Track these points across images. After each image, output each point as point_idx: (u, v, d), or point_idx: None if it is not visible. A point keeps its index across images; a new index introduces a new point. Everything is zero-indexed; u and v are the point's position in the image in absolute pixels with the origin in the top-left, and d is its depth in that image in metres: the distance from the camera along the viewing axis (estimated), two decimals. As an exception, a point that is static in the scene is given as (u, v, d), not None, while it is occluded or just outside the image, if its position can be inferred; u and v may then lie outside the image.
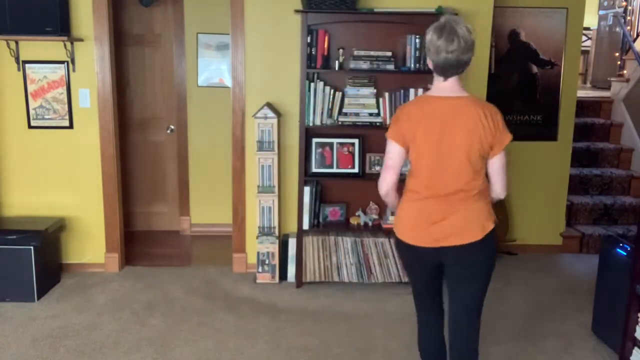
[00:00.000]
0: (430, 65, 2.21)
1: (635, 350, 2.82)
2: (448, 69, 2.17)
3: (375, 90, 3.86)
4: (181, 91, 4.97)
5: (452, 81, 2.21)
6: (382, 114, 3.87)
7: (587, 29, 7.38)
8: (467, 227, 2.19)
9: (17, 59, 3.90)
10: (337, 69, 3.82)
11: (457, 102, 2.18)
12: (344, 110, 3.83)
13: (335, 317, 3.50)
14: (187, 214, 5.17)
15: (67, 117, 4.00)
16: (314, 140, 3.92)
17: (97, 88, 3.98)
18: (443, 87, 2.21)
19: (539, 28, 4.57)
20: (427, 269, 2.35)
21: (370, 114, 3.85)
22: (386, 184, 2.31)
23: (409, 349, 3.17)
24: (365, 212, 4.07)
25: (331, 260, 3.94)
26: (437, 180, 2.19)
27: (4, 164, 4.05)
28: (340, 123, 3.83)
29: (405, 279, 3.92)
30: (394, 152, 2.26)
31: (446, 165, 2.18)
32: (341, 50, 3.82)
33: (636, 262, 2.79)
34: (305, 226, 3.91)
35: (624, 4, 6.73)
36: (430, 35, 2.16)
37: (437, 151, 2.17)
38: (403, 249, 2.36)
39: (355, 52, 3.80)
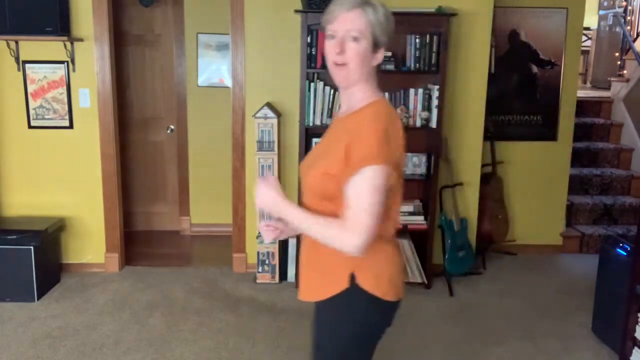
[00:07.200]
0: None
1: (635, 350, 2.82)
2: None
3: (375, 90, 3.86)
4: (181, 91, 4.97)
5: None
6: (382, 114, 3.86)
7: (587, 29, 7.37)
8: None
9: (17, 59, 3.90)
10: (337, 69, 3.81)
11: None
12: (344, 110, 3.83)
13: (335, 317, 3.50)
14: (187, 214, 5.17)
15: (67, 117, 4.00)
16: (314, 140, 3.91)
17: (97, 88, 3.98)
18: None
19: (539, 28, 4.56)
20: None
21: (370, 114, 3.84)
22: None
23: (409, 349, 3.17)
24: (365, 212, 4.06)
25: (331, 260, 3.93)
26: None
27: (4, 164, 4.05)
28: (340, 123, 3.82)
29: (406, 279, 3.92)
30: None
31: None
32: (341, 50, 3.82)
33: (636, 262, 2.79)
34: (305, 226, 3.91)
35: (624, 4, 6.73)
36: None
37: None
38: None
39: (355, 52, 3.79)
